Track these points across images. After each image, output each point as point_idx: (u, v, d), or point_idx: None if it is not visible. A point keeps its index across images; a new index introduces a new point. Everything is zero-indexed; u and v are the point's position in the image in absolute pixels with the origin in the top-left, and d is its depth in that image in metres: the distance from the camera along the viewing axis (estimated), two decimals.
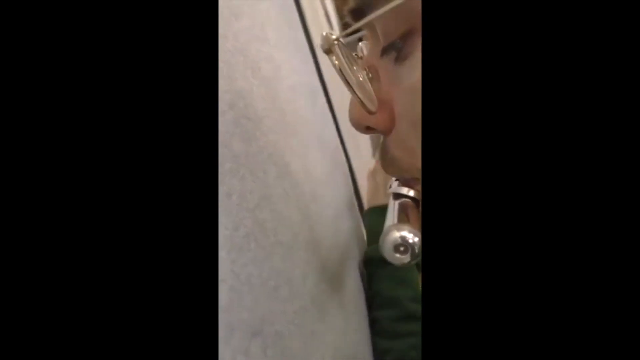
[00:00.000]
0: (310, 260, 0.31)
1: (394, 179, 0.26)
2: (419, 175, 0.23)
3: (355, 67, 0.22)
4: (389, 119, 0.22)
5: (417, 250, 0.21)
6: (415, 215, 0.24)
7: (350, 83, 0.20)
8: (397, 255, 0.22)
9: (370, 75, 0.23)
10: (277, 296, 0.24)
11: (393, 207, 0.24)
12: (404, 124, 0.22)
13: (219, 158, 0.21)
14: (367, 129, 0.24)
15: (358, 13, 0.21)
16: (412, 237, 0.21)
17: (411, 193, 0.25)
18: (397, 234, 0.21)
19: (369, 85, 0.22)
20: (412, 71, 0.20)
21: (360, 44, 0.27)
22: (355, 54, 0.24)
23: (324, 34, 0.21)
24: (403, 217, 0.23)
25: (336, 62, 0.20)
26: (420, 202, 0.24)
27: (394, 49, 0.21)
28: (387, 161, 0.24)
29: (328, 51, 0.20)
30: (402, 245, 0.21)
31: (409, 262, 0.22)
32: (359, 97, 0.21)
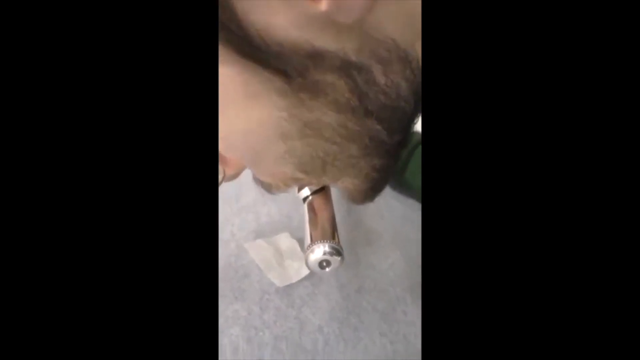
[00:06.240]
0: None
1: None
2: (293, 182, 0.23)
3: None
4: (235, 164, 0.23)
5: (335, 252, 0.24)
6: (319, 202, 0.27)
7: None
8: (327, 269, 0.24)
9: None
10: None
11: (304, 212, 0.28)
12: (246, 160, 0.22)
13: None
14: (233, 177, 0.24)
15: None
16: (325, 249, 0.24)
17: (307, 190, 0.28)
18: (312, 257, 0.24)
19: None
20: None
21: None
22: None
23: None
24: (311, 216, 0.27)
25: None
26: (320, 188, 0.27)
27: None
28: (265, 186, 0.25)
29: None
30: (324, 261, 0.24)
31: (342, 260, 0.24)
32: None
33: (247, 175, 0.24)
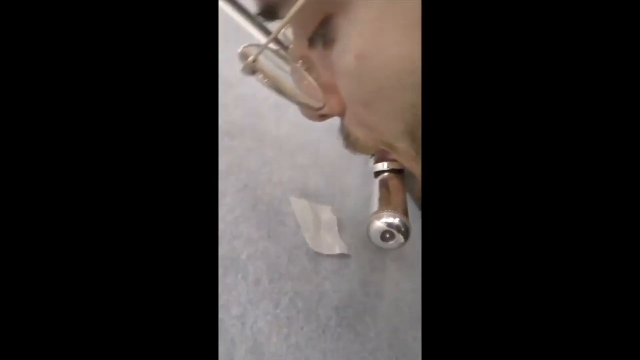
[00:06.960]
0: None
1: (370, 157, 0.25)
2: (386, 146, 0.21)
3: (287, 66, 0.21)
4: (338, 103, 0.21)
5: (404, 229, 0.21)
6: (395, 183, 0.23)
7: (287, 96, 0.20)
8: (388, 243, 0.21)
9: (305, 65, 0.21)
10: None
11: (375, 186, 0.24)
12: (354, 104, 0.20)
13: None
14: (322, 117, 0.22)
15: (269, 12, 0.20)
16: (395, 221, 0.21)
17: (386, 166, 0.24)
18: (377, 224, 0.21)
19: (308, 78, 0.20)
20: (343, 54, 0.18)
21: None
22: (282, 48, 0.23)
23: (240, 53, 0.19)
24: (384, 193, 0.23)
25: (265, 80, 0.19)
26: (399, 169, 0.24)
27: (318, 38, 0.19)
28: (351, 142, 0.23)
29: (252, 73, 0.19)
30: (388, 232, 0.21)
31: (404, 243, 0.21)
32: (302, 105, 0.20)
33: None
